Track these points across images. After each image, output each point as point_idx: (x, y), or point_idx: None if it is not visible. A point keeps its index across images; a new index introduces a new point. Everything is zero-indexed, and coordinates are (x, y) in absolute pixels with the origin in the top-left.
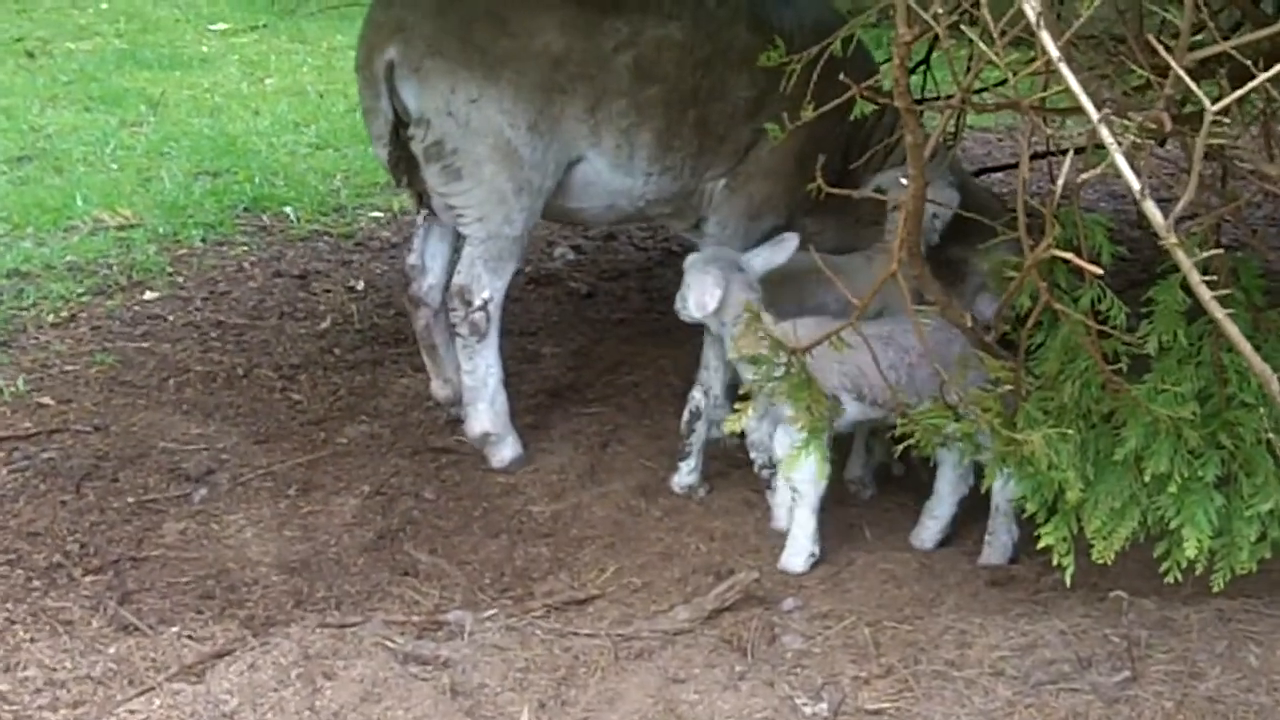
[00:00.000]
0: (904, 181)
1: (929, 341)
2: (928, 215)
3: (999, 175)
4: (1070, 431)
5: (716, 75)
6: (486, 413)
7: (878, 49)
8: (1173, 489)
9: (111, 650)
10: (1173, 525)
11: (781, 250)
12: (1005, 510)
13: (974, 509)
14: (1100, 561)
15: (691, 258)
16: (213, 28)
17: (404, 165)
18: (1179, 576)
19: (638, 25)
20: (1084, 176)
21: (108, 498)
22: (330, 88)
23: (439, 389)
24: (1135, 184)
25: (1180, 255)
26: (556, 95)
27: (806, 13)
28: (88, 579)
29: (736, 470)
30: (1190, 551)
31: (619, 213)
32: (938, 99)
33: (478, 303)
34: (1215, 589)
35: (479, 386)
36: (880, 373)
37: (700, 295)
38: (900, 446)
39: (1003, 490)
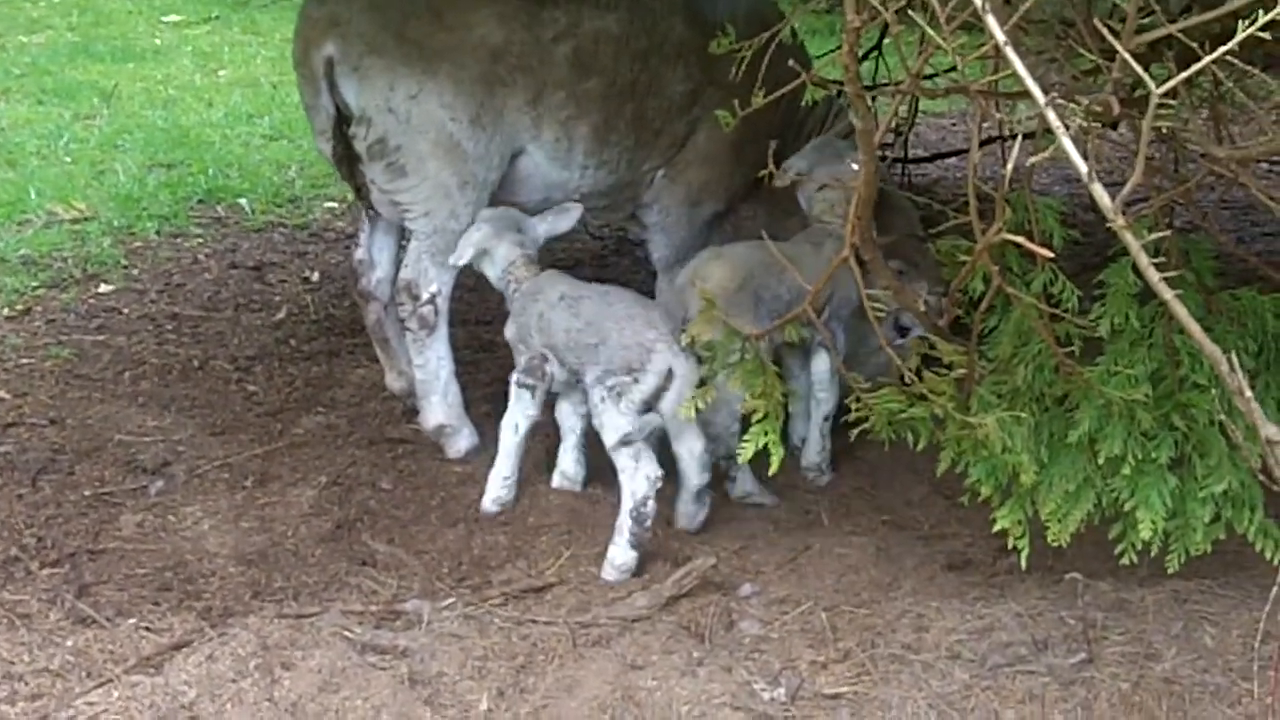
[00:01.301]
0: (854, 166)
1: (598, 312)
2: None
3: (952, 160)
4: (1024, 415)
5: (653, 69)
6: (440, 405)
7: (831, 36)
8: (1126, 471)
9: (69, 643)
10: (1127, 507)
11: (565, 219)
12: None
13: (930, 494)
14: (1055, 544)
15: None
16: (166, 20)
17: (348, 160)
18: (1134, 558)
19: (575, 16)
20: (1033, 160)
21: (64, 491)
22: (284, 79)
23: (394, 381)
24: (1083, 167)
25: (1128, 238)
26: (498, 87)
27: (740, 2)
28: (45, 572)
29: None
30: (1145, 533)
31: (554, 206)
32: (888, 84)
33: (425, 296)
34: (1170, 570)
35: (431, 380)
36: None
37: (463, 243)
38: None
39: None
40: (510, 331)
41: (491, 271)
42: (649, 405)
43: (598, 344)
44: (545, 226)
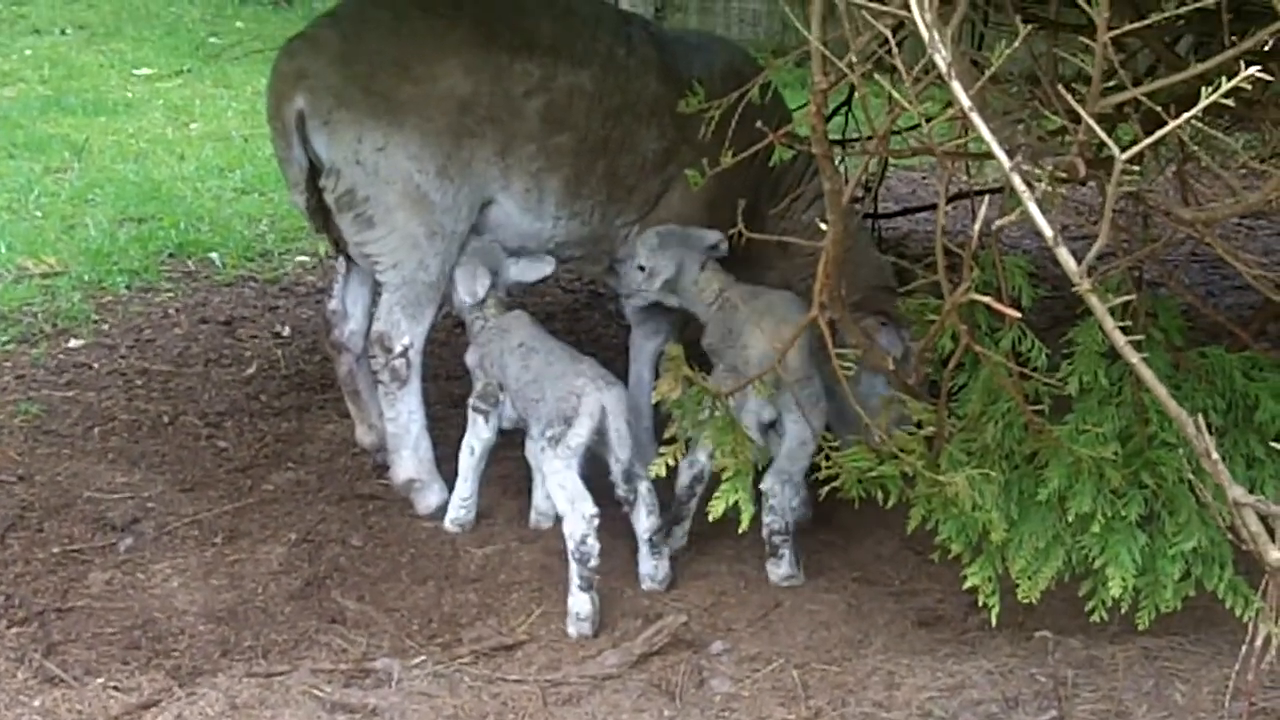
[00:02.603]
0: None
1: (541, 370)
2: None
3: (923, 214)
4: (993, 472)
5: (626, 126)
6: (410, 459)
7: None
8: (1096, 528)
9: (37, 703)
10: (1097, 564)
11: (535, 269)
12: None
13: (901, 550)
14: (1026, 601)
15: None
16: (137, 73)
17: (322, 213)
18: (1104, 615)
19: (550, 71)
20: (999, 223)
21: (32, 548)
22: (255, 132)
23: (364, 435)
24: (1048, 231)
25: (1094, 301)
26: (466, 139)
27: (716, 59)
28: (12, 631)
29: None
30: (1115, 590)
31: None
32: (857, 140)
33: (398, 349)
34: (1141, 627)
35: (402, 433)
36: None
37: (470, 284)
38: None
39: None
40: (472, 358)
41: (456, 297)
42: (588, 449)
43: (538, 400)
44: (516, 270)
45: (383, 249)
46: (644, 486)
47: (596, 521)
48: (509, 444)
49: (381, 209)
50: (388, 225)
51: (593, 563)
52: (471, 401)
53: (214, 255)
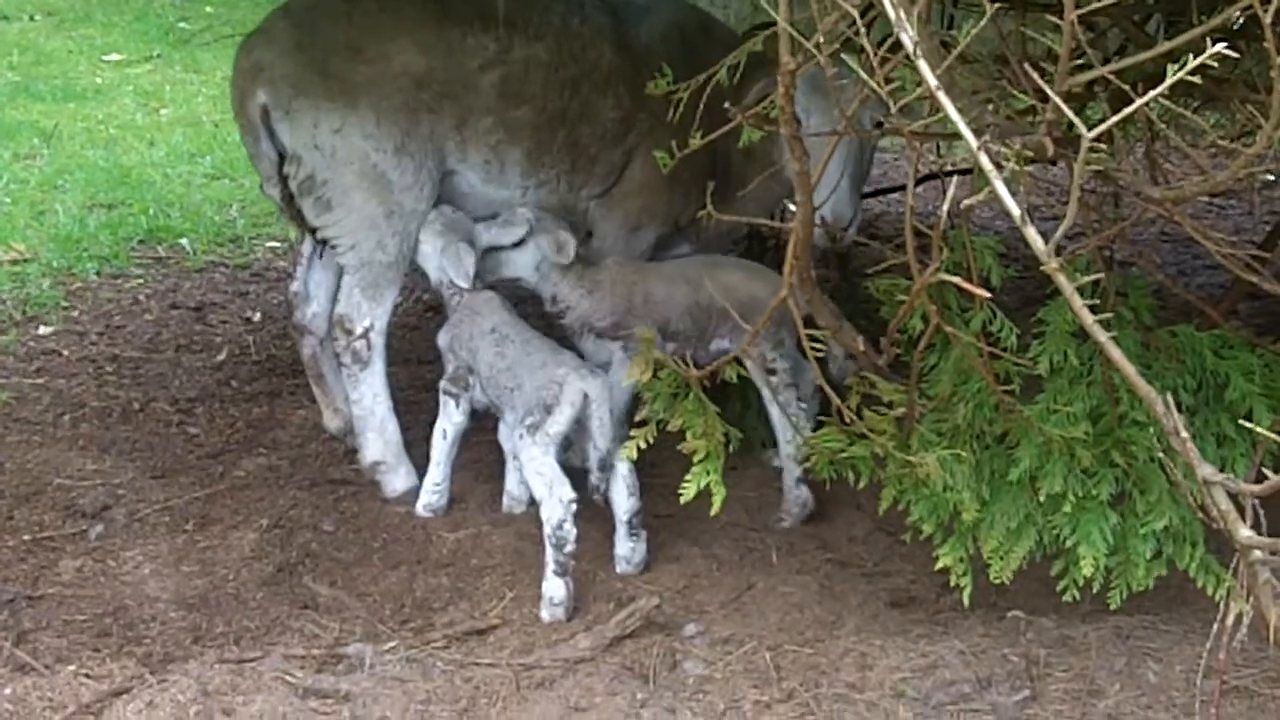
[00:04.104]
0: (792, 207)
1: (517, 359)
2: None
3: (895, 195)
4: (964, 453)
5: (583, 96)
6: (376, 442)
7: None
8: (1068, 508)
9: (8, 690)
10: (1069, 544)
11: (509, 232)
12: None
13: (873, 531)
14: (998, 581)
15: (432, 224)
16: (107, 59)
17: (294, 203)
18: (1077, 595)
19: (505, 44)
20: (967, 202)
21: (2, 536)
22: (225, 117)
23: (330, 419)
24: (1015, 210)
25: (1062, 280)
26: (423, 114)
27: (659, 19)
28: None
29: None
30: (1087, 570)
31: None
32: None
33: (359, 331)
34: (1113, 606)
35: (367, 415)
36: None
37: (459, 265)
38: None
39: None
40: (443, 339)
41: (436, 274)
42: (568, 438)
43: (513, 389)
44: (489, 236)
45: (341, 230)
46: (624, 468)
47: (575, 507)
48: (480, 429)
49: (339, 191)
50: (345, 207)
51: (569, 549)
52: (442, 385)
53: (184, 241)
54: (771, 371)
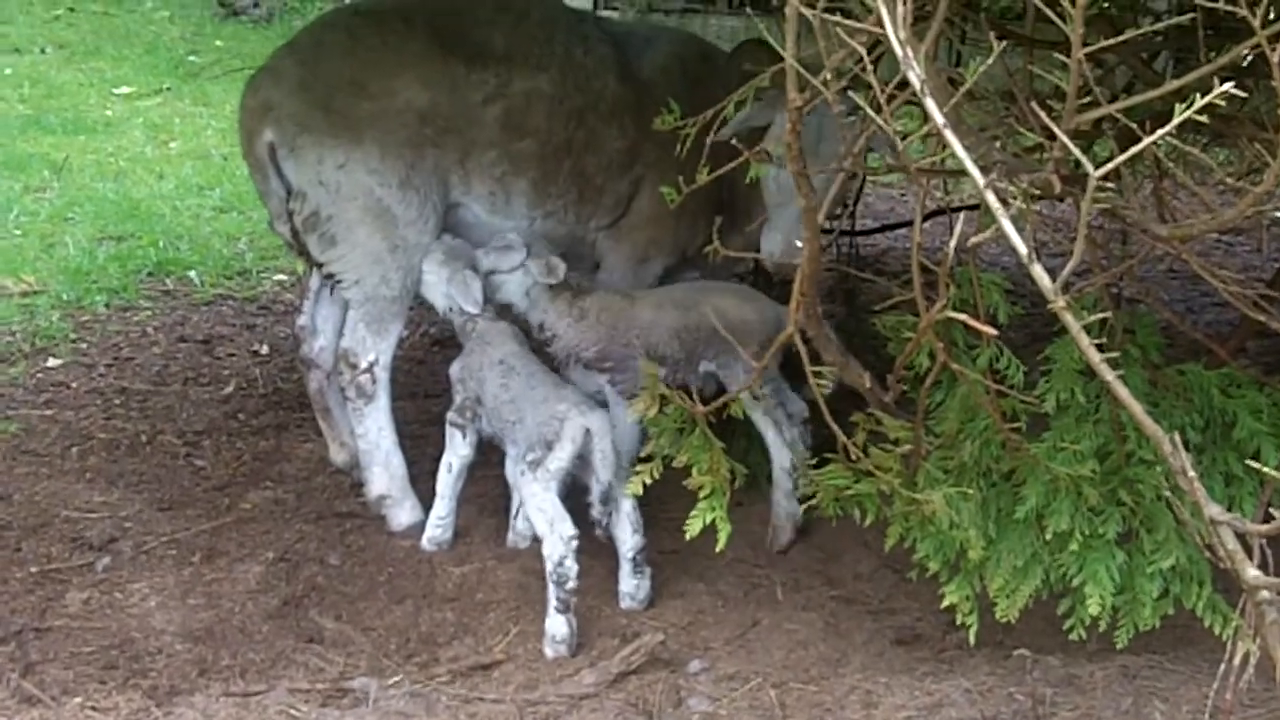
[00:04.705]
0: (799, 245)
1: (520, 393)
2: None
3: (902, 230)
4: (971, 490)
5: (589, 127)
6: (382, 475)
7: None
8: (1074, 546)
9: None
10: (1075, 583)
11: (507, 257)
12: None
13: (879, 569)
14: (1004, 619)
15: (433, 254)
16: (117, 92)
17: (300, 239)
18: (1083, 634)
19: (506, 78)
20: (974, 239)
21: (10, 567)
22: (234, 150)
23: (336, 453)
24: (1022, 249)
25: (1069, 319)
26: (428, 149)
27: (660, 51)
28: None
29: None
30: (1093, 608)
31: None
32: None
33: (363, 365)
34: (1119, 645)
35: (372, 449)
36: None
37: (467, 293)
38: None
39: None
40: (455, 369)
41: (443, 303)
42: (568, 474)
43: (515, 422)
44: (488, 262)
45: (345, 266)
46: (628, 505)
47: (575, 544)
48: (486, 462)
49: (343, 226)
50: (350, 242)
51: (571, 585)
52: (449, 416)
53: (192, 274)
54: (756, 398)
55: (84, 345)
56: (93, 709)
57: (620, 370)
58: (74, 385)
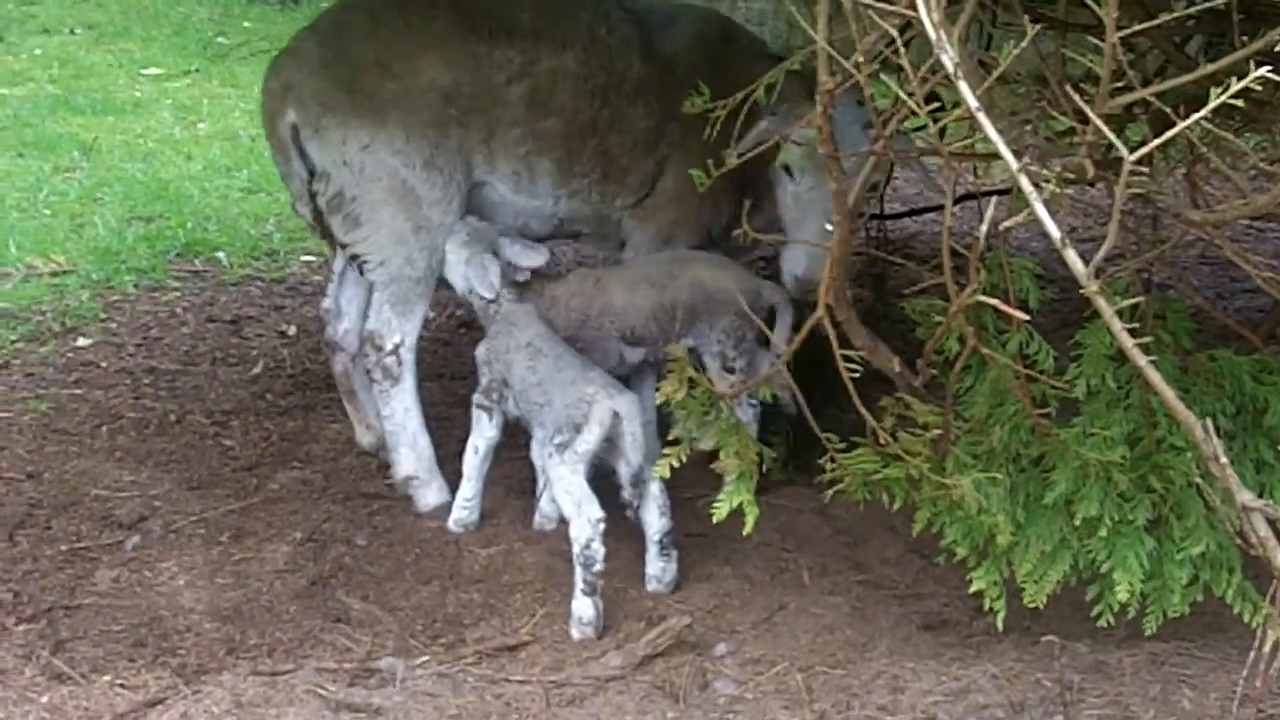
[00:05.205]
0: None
1: (548, 375)
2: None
3: (931, 215)
4: (1000, 475)
5: (614, 106)
6: (408, 456)
7: None
8: (1103, 532)
9: (44, 699)
10: (1104, 569)
11: (530, 256)
12: None
13: (906, 553)
14: (1032, 605)
15: (457, 234)
16: (145, 73)
17: (323, 220)
18: (1111, 620)
19: (531, 56)
20: (1005, 224)
21: (40, 545)
22: (262, 132)
23: (362, 435)
24: (1055, 233)
25: (1102, 304)
26: (452, 128)
27: (682, 30)
28: (20, 628)
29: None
30: (1122, 595)
31: (536, 231)
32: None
33: (389, 347)
34: (1148, 632)
35: (399, 430)
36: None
37: (484, 277)
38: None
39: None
40: (481, 351)
41: (462, 284)
42: (596, 456)
43: (544, 405)
44: (511, 253)
45: (370, 247)
46: (656, 487)
47: (603, 527)
48: (512, 444)
49: (367, 207)
50: (374, 223)
51: (597, 567)
52: (475, 398)
53: (221, 254)
54: (730, 370)
55: (113, 325)
56: (122, 686)
57: (594, 353)
58: (103, 365)
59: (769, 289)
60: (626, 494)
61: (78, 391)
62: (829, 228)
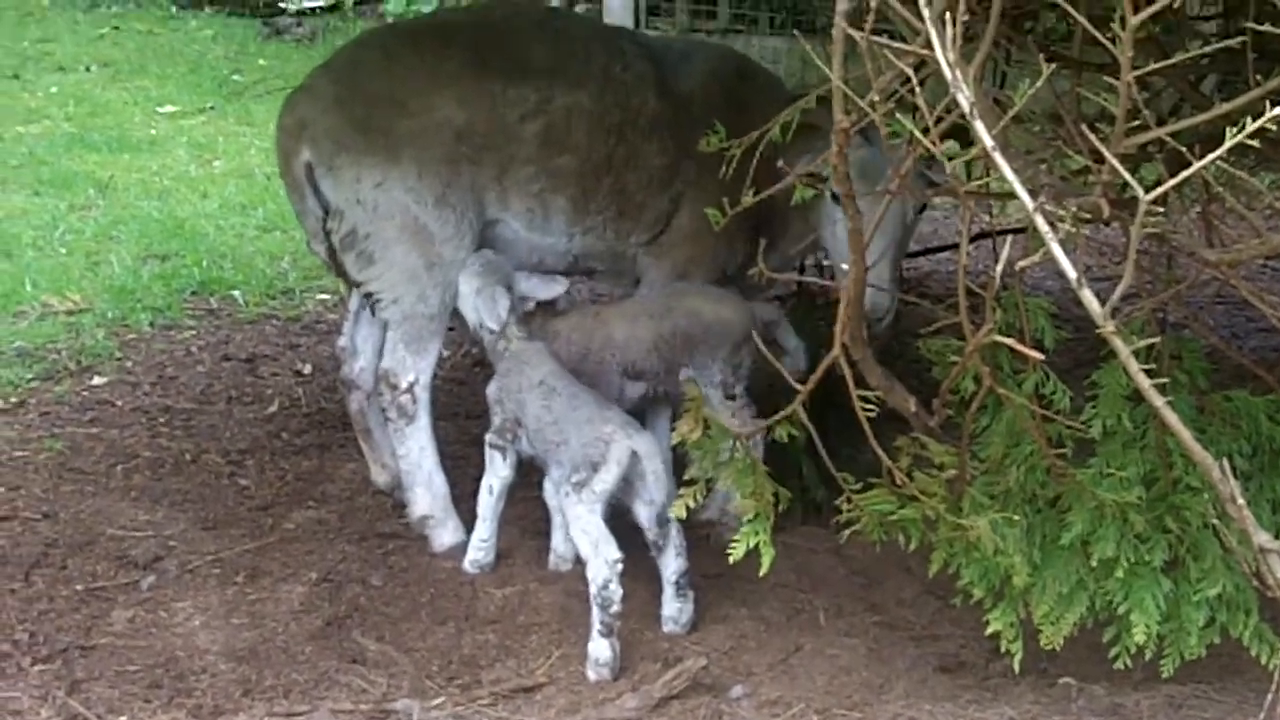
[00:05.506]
0: (845, 267)
1: (564, 413)
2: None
3: (945, 255)
4: (1016, 516)
5: (629, 143)
6: (424, 496)
7: None
8: (1120, 574)
9: None
10: (1121, 610)
11: (548, 288)
12: None
13: (922, 594)
14: (1049, 647)
15: (470, 266)
16: (161, 110)
17: (338, 258)
18: (1128, 662)
19: (545, 94)
20: (1021, 264)
21: (56, 585)
22: (277, 169)
23: (377, 474)
24: (1071, 273)
25: (1118, 343)
26: (464, 166)
27: (696, 68)
28: (36, 668)
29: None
30: (1139, 637)
31: (551, 269)
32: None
33: (403, 386)
34: (1165, 674)
35: (414, 470)
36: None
37: (493, 308)
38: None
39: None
40: (492, 390)
41: (473, 316)
42: (613, 496)
43: (560, 444)
44: (527, 287)
45: (383, 285)
46: (673, 529)
47: (620, 567)
48: (527, 484)
49: (380, 245)
50: (387, 260)
51: (615, 609)
52: (488, 438)
53: (236, 293)
54: (731, 397)
55: (129, 364)
56: None
57: (594, 388)
58: (119, 403)
59: (761, 309)
60: (650, 534)
61: (93, 430)
62: (845, 267)
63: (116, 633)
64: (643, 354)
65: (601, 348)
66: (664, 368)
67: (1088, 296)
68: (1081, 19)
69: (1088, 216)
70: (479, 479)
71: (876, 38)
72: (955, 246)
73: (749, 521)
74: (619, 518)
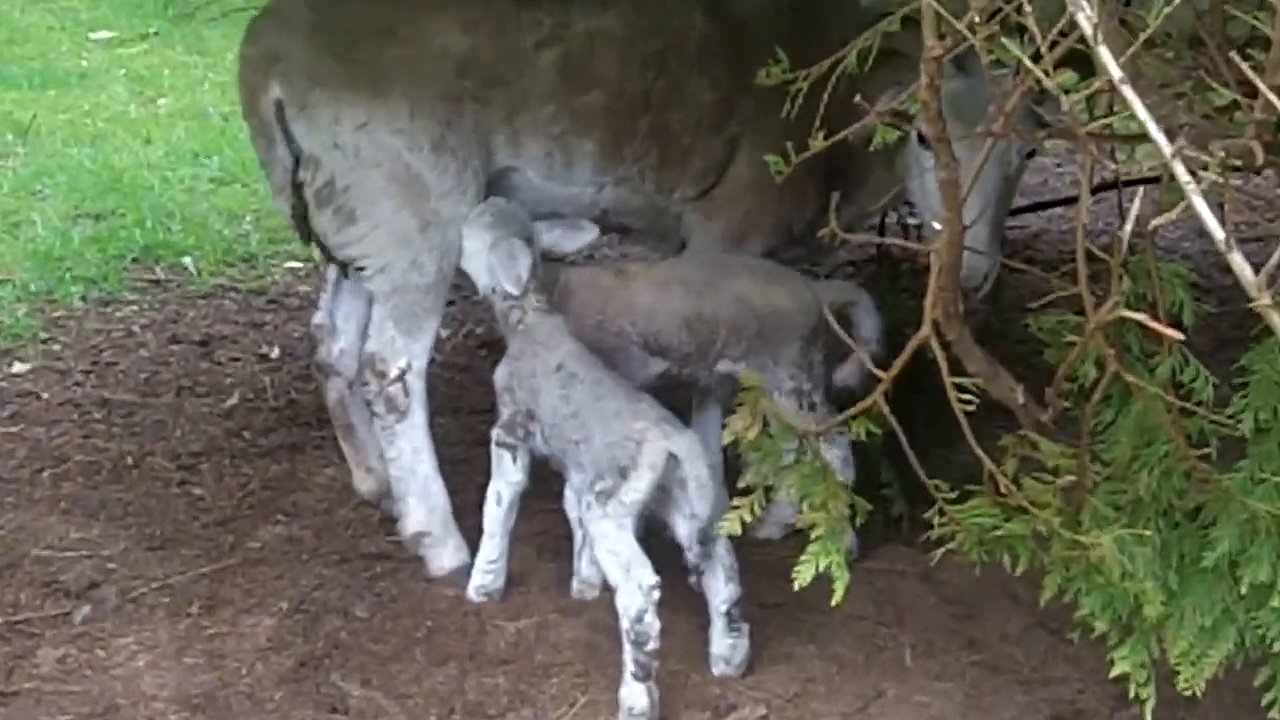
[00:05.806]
0: (937, 226)
1: (586, 404)
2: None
3: (1057, 210)
4: (1148, 532)
5: (672, 75)
6: (418, 508)
7: None
8: (1276, 602)
9: None
10: (1276, 647)
11: (574, 237)
12: None
13: (1031, 628)
14: (1188, 692)
15: (480, 216)
16: (94, 37)
17: (306, 219)
18: None
19: (563, 17)
20: (1155, 222)
21: None
22: (236, 109)
23: (361, 480)
24: (1218, 233)
25: (1274, 318)
26: (467, 104)
27: None
28: None
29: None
30: None
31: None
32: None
33: (393, 373)
34: None
35: (406, 476)
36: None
37: (511, 267)
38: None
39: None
40: (500, 375)
41: (485, 279)
42: (647, 508)
43: (580, 442)
44: (550, 239)
45: (367, 248)
46: (722, 548)
47: (657, 595)
48: (545, 492)
49: (364, 199)
50: (371, 218)
51: (651, 645)
52: (495, 435)
53: (187, 260)
54: (811, 407)
55: (56, 347)
56: None
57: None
58: (44, 396)
59: (837, 288)
60: (691, 556)
61: (13, 429)
62: (937, 226)
63: (44, 675)
64: (670, 328)
65: (620, 313)
66: (695, 350)
67: (1237, 261)
68: None
69: (1237, 163)
70: (485, 487)
71: None
72: (1072, 200)
73: (818, 539)
74: (655, 534)
